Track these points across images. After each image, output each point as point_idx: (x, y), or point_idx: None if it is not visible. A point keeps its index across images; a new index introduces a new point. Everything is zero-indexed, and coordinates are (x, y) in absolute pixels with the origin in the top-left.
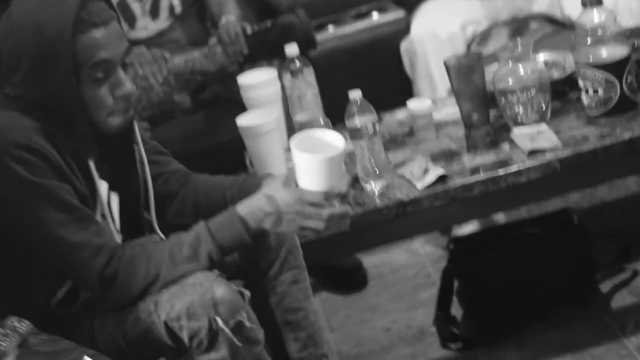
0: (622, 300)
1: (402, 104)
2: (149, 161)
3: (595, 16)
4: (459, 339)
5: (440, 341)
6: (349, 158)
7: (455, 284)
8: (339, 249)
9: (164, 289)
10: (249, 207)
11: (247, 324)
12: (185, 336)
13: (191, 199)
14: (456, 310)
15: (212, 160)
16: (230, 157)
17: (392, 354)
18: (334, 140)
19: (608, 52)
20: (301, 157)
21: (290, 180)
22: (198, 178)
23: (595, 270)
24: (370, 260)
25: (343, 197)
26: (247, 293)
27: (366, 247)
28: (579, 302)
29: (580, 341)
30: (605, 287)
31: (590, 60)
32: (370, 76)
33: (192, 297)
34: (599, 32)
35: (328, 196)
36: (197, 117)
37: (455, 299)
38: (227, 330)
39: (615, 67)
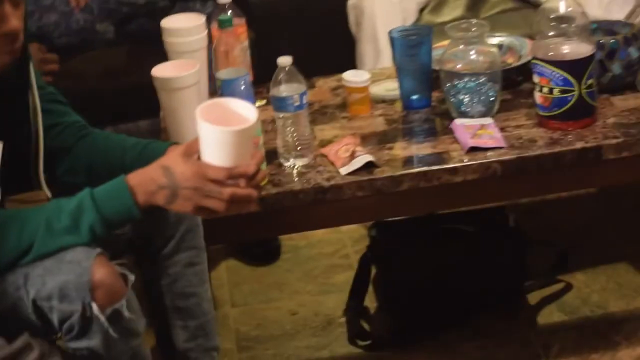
0: (549, 316)
1: (342, 66)
2: (43, 110)
3: (562, 6)
4: (368, 336)
5: (348, 335)
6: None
7: (373, 273)
8: (247, 232)
9: (36, 261)
10: (140, 177)
11: (126, 313)
12: (55, 318)
13: (86, 157)
14: (370, 302)
15: (129, 100)
16: (150, 101)
17: (294, 343)
18: (247, 112)
19: (570, 49)
20: (206, 128)
21: (192, 151)
22: (97, 134)
23: (525, 278)
24: None
25: (250, 178)
26: (132, 277)
27: (278, 232)
28: (504, 312)
29: (499, 357)
30: (534, 298)
31: (550, 56)
32: (313, 31)
33: (67, 276)
34: (563, 25)
35: (233, 174)
36: (119, 51)
37: (371, 290)
38: (102, 318)
39: (576, 67)
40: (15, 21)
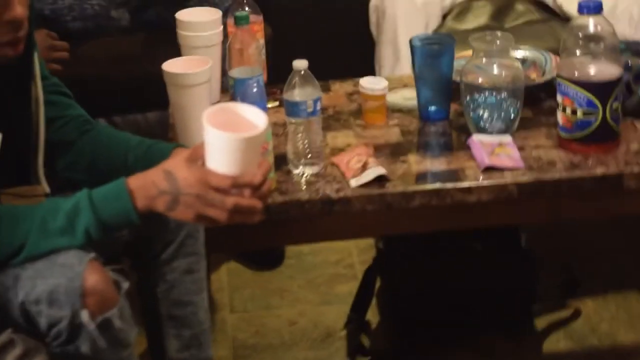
0: (556, 343)
1: (360, 68)
2: (46, 101)
3: (591, 24)
4: (368, 352)
5: (347, 350)
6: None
7: (378, 286)
8: (250, 240)
9: (28, 261)
10: (141, 181)
11: (117, 323)
12: (43, 323)
13: (88, 153)
14: (373, 316)
15: (139, 90)
16: (160, 93)
17: (291, 354)
18: (256, 118)
19: (596, 70)
20: (212, 133)
21: (196, 156)
22: (101, 129)
23: (533, 301)
24: None
25: (256, 188)
26: (125, 285)
27: (282, 242)
28: (510, 334)
29: None
30: (541, 322)
31: (575, 76)
32: (332, 30)
33: (58, 280)
34: (591, 45)
35: (237, 183)
36: (133, 39)
37: (374, 303)
38: (91, 327)
39: (602, 89)
40: (19, 8)
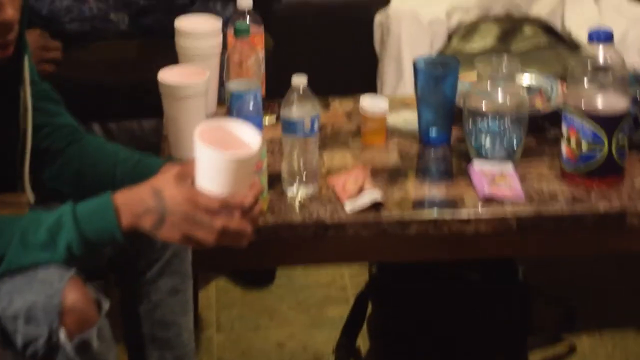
0: None
1: (362, 84)
2: (34, 108)
3: (601, 54)
4: None
5: None
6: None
7: (370, 310)
8: (239, 261)
9: (6, 275)
10: (127, 197)
11: (95, 344)
12: (19, 340)
13: (75, 165)
14: (363, 341)
15: (135, 96)
16: (157, 100)
17: None
18: (250, 137)
19: (604, 102)
20: (203, 151)
21: (186, 174)
22: (89, 141)
23: (528, 334)
24: None
25: (246, 210)
26: (106, 305)
27: (272, 264)
28: None
29: None
30: (535, 356)
31: (582, 107)
32: (335, 44)
33: (36, 296)
34: (600, 76)
35: (227, 204)
36: (131, 43)
37: (365, 329)
38: (68, 347)
39: (608, 122)
40: (10, 10)
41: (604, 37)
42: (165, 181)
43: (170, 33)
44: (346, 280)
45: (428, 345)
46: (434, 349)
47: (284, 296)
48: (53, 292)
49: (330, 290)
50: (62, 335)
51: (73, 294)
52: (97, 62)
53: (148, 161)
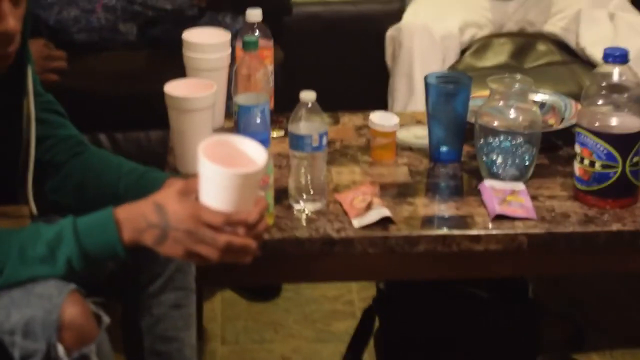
0: None
1: (373, 99)
2: (37, 119)
3: (616, 73)
4: None
5: None
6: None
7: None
8: (244, 276)
9: (4, 289)
10: (130, 212)
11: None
12: (16, 355)
13: (77, 177)
14: (369, 357)
15: (143, 107)
16: (165, 111)
17: None
18: (255, 153)
19: (618, 122)
20: (207, 167)
21: (190, 190)
22: (93, 153)
23: (537, 353)
24: None
25: (251, 227)
26: (106, 320)
27: (278, 280)
28: None
29: None
30: None
31: (596, 126)
32: (347, 59)
33: (34, 311)
34: (614, 95)
35: (231, 220)
36: (139, 54)
37: (371, 344)
38: None
39: (623, 142)
40: (12, 21)
41: (619, 56)
42: (168, 196)
43: (178, 44)
44: (353, 295)
45: None
46: None
47: (290, 309)
48: (51, 306)
49: (336, 305)
50: (61, 350)
51: (72, 308)
52: (105, 72)
53: (152, 175)
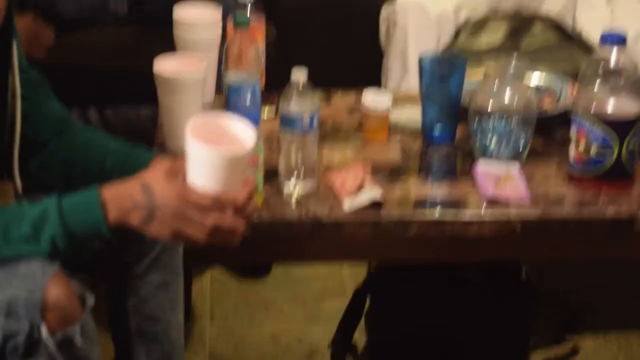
0: None
1: (366, 78)
2: (22, 96)
3: (614, 57)
4: None
5: None
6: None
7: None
8: (233, 255)
9: None
10: (115, 191)
11: (79, 341)
12: None
13: (63, 155)
14: (360, 336)
15: (133, 83)
16: (153, 86)
17: None
18: (244, 133)
19: (615, 106)
20: (195, 147)
21: (177, 170)
22: (79, 131)
23: (530, 335)
24: None
25: (239, 208)
26: (91, 301)
27: (268, 259)
28: None
29: None
30: (537, 356)
31: (592, 110)
32: (340, 37)
33: (17, 291)
34: (612, 79)
35: (219, 201)
36: (130, 29)
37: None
38: (50, 344)
39: (619, 126)
40: None
41: (617, 39)
42: (155, 176)
43: (169, 20)
44: (344, 274)
45: (427, 344)
46: (432, 348)
47: (280, 288)
48: (35, 287)
49: (327, 284)
50: (44, 331)
51: (56, 289)
52: (95, 47)
53: (139, 153)
